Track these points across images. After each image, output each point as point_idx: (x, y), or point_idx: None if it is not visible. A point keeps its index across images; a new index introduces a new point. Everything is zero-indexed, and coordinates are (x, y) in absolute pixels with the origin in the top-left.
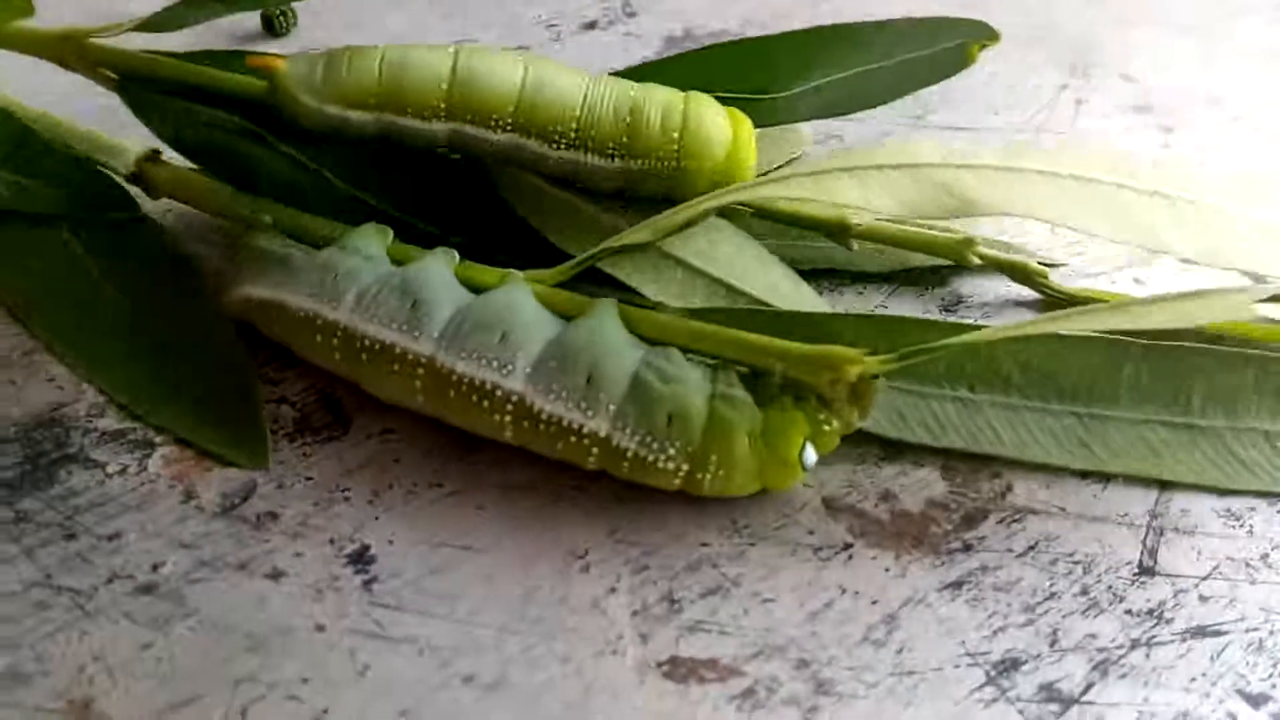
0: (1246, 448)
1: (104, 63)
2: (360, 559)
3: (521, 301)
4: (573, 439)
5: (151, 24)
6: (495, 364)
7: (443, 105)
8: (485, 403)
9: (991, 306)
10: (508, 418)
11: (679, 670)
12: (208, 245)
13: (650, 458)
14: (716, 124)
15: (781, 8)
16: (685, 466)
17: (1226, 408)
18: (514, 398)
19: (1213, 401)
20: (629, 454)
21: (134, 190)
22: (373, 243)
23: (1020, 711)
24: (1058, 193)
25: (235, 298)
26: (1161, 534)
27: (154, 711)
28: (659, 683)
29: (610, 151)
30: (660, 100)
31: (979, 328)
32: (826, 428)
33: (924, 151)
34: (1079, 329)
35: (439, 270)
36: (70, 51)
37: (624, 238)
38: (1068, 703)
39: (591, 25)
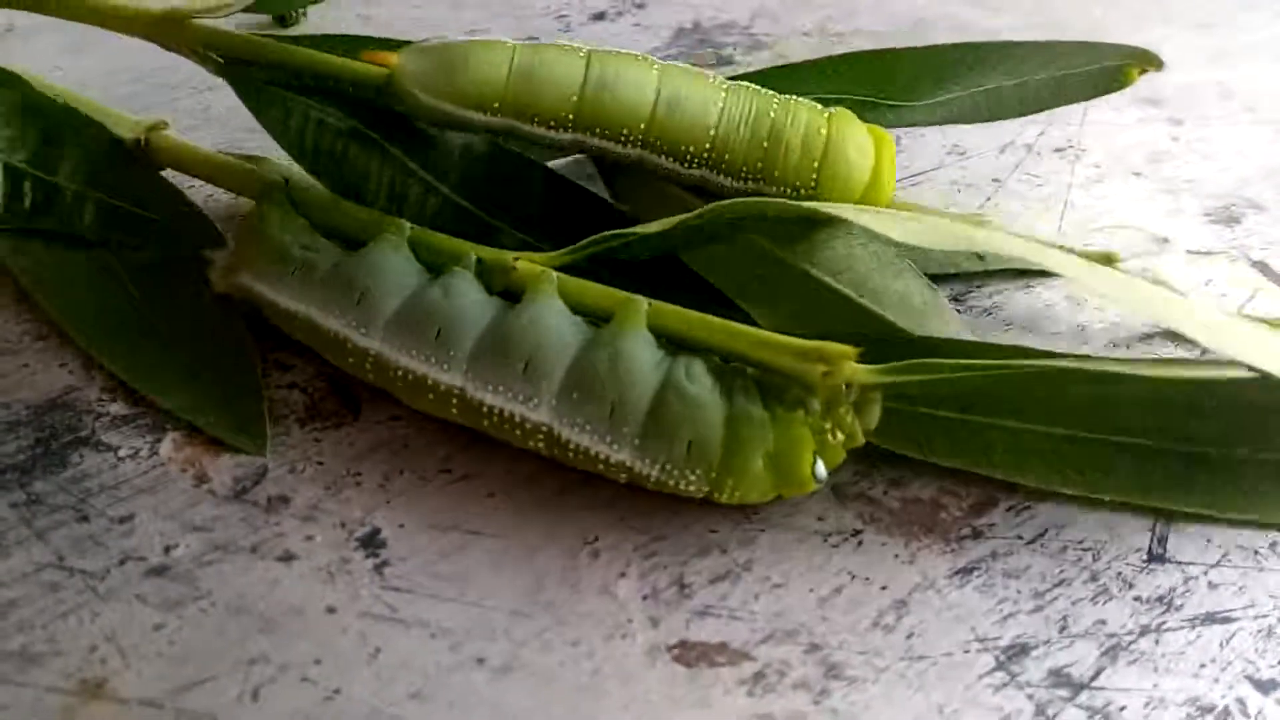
0: (1246, 476)
1: (208, 45)
2: (371, 542)
3: (541, 320)
4: (601, 466)
5: (263, 3)
6: (520, 397)
7: (571, 117)
8: (518, 432)
9: (1000, 301)
10: (541, 443)
11: (689, 654)
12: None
13: (671, 482)
14: (859, 151)
15: None
16: (705, 489)
17: (1226, 436)
18: (543, 429)
19: (1209, 430)
20: (652, 480)
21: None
22: (400, 255)
23: (1030, 696)
24: (1060, 254)
25: (234, 282)
26: (1171, 521)
27: (166, 692)
28: (669, 666)
29: (744, 174)
30: (802, 122)
31: (983, 344)
32: (831, 440)
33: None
34: (1082, 368)
35: (462, 287)
36: (171, 32)
37: (633, 231)
38: (1077, 688)
39: (600, 16)
